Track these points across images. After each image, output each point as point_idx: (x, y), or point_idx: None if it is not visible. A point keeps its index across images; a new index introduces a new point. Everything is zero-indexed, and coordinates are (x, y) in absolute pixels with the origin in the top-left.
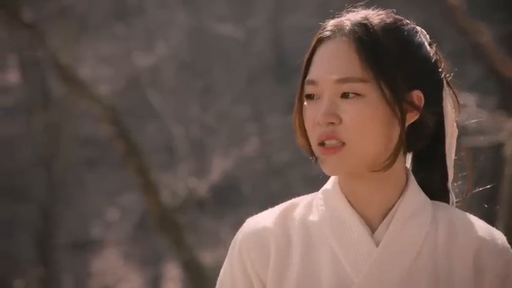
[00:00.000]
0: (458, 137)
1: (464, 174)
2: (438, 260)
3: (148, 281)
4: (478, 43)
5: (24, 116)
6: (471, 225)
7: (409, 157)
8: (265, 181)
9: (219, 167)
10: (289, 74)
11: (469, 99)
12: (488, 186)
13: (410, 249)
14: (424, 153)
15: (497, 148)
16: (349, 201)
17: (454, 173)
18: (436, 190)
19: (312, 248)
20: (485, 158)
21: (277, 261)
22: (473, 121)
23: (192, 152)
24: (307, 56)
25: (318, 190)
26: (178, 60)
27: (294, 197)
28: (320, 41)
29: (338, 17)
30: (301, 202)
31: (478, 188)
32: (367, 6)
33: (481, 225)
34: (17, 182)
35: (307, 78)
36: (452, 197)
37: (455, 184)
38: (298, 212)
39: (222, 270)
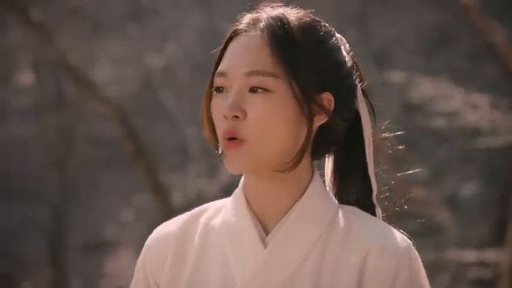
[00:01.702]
0: (471, 137)
1: (387, 188)
2: (324, 266)
3: None
4: (493, 43)
5: (38, 117)
6: (367, 230)
7: (329, 166)
8: None
9: None
10: None
11: (483, 99)
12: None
13: (296, 254)
14: (343, 165)
15: (510, 148)
16: (250, 203)
17: (378, 186)
18: (358, 204)
19: (206, 252)
20: (498, 158)
21: (172, 264)
22: (486, 121)
23: (203, 152)
24: (220, 48)
25: None
26: (191, 61)
27: None
28: (234, 33)
29: (256, 12)
30: (211, 206)
31: (404, 199)
32: (356, 6)
33: (378, 230)
34: (29, 183)
35: (217, 70)
36: (379, 211)
37: (381, 197)
38: (204, 217)
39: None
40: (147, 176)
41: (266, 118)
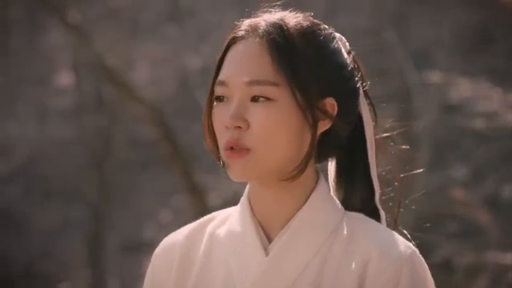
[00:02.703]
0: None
1: (390, 188)
2: (325, 273)
3: None
4: None
5: (77, 118)
6: (370, 236)
7: (332, 169)
8: None
9: None
10: None
11: None
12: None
13: (298, 262)
14: (346, 167)
15: None
16: (254, 211)
17: (381, 187)
18: (362, 206)
19: (210, 261)
20: None
21: (178, 273)
22: None
23: None
24: (219, 56)
25: None
26: None
27: None
28: (233, 40)
29: (254, 17)
30: (220, 215)
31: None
32: (395, 6)
33: (381, 236)
34: (68, 184)
35: (217, 79)
36: (382, 213)
37: (383, 198)
38: (212, 225)
39: None
40: (184, 177)
41: (269, 127)
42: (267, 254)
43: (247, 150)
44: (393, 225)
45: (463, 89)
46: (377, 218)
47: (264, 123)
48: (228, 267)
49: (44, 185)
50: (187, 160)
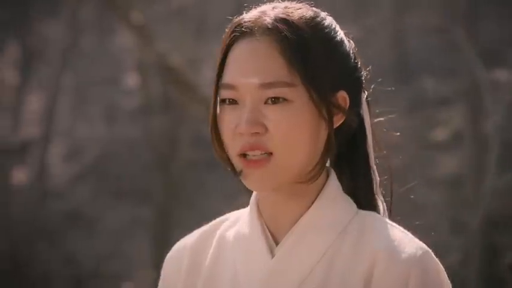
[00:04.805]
0: None
1: (385, 177)
2: (332, 275)
3: None
4: None
5: (144, 119)
6: (379, 237)
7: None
8: None
9: None
10: (410, 74)
11: None
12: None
13: (304, 265)
14: (345, 157)
15: None
16: (262, 212)
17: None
18: (363, 197)
19: (219, 263)
20: None
21: (187, 276)
22: None
23: None
24: (220, 55)
25: None
26: None
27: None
28: (235, 38)
29: (248, 11)
30: (231, 217)
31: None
32: (464, 4)
33: (390, 237)
34: (136, 184)
35: (222, 82)
36: (383, 204)
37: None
38: (222, 227)
39: None
40: None
41: (290, 130)
42: (273, 256)
43: (269, 154)
44: (388, 214)
45: None
46: (376, 208)
47: (284, 126)
48: (236, 268)
49: (111, 185)
50: None
